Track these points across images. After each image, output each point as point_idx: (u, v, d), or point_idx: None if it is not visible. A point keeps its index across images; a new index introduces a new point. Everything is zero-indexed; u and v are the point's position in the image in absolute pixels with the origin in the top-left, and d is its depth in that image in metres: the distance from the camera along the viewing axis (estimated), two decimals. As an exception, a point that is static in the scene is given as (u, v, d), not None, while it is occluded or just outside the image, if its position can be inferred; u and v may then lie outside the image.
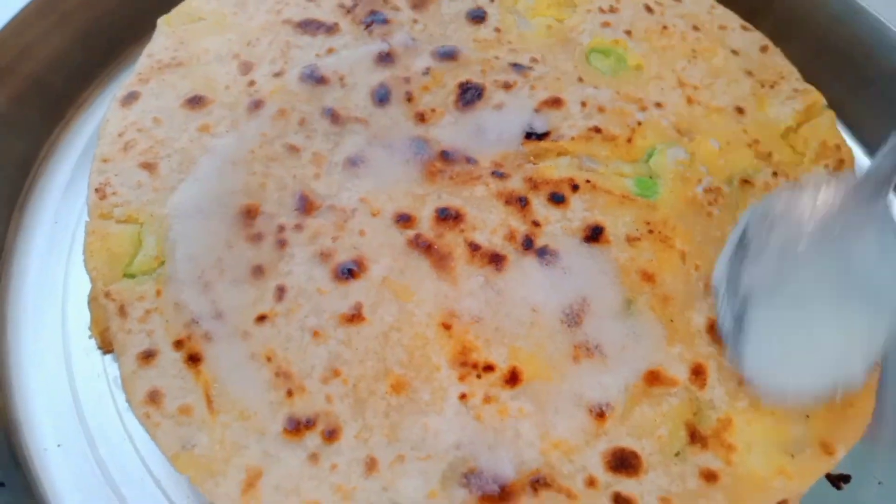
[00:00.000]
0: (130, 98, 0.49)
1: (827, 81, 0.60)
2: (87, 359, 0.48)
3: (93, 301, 0.49)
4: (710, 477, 0.38)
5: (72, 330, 0.49)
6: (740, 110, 0.53)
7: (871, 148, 0.64)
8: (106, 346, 0.48)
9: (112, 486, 0.44)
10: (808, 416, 0.41)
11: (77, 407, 0.46)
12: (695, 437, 0.39)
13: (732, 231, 0.43)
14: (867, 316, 0.39)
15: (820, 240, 0.40)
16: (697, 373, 0.41)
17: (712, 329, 0.43)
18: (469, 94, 0.51)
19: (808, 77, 0.58)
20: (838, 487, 0.48)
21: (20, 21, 0.56)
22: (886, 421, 0.50)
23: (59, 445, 0.45)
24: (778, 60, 0.57)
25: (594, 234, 0.45)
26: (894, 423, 0.50)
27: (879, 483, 0.48)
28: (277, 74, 0.51)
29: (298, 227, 0.44)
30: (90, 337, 0.49)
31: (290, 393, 0.39)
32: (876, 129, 0.64)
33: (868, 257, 0.40)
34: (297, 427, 0.38)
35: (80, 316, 0.49)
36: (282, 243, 0.44)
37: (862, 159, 0.64)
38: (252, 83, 0.50)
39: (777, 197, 0.42)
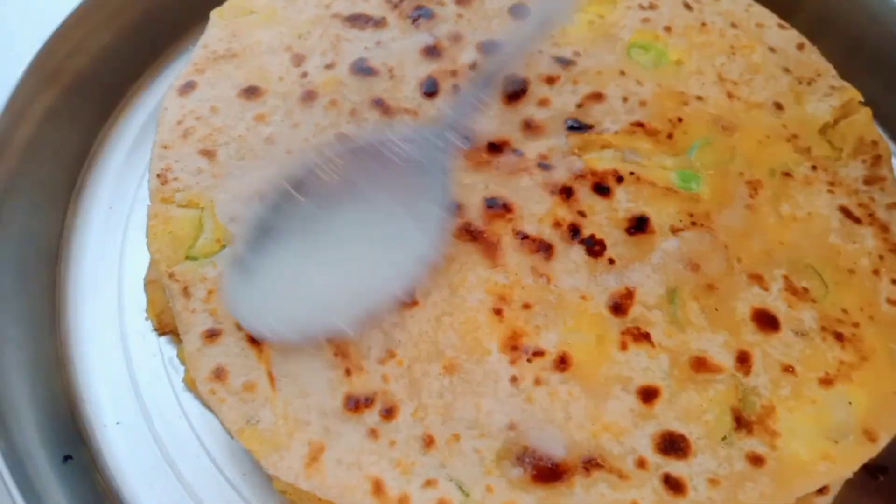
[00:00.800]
0: (188, 87, 0.51)
1: (862, 79, 0.61)
2: (143, 340, 0.50)
3: (149, 284, 0.51)
4: (756, 461, 0.39)
5: (127, 312, 0.51)
6: (779, 106, 0.54)
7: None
8: (161, 329, 0.50)
9: (169, 461, 0.46)
10: (850, 403, 0.42)
11: (134, 386, 0.48)
12: (740, 422, 0.41)
13: None
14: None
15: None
16: (742, 360, 0.42)
17: (757, 317, 0.44)
18: (513, 87, 0.52)
19: (843, 74, 0.59)
20: (875, 478, 0.49)
21: (71, 21, 0.57)
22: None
23: (118, 423, 0.47)
24: (814, 58, 0.58)
25: (639, 225, 0.46)
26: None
27: (915, 474, 0.49)
28: (329, 66, 0.53)
29: (352, 214, 0.46)
30: (146, 319, 0.51)
31: (348, 372, 0.41)
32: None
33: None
34: (357, 405, 0.40)
35: (136, 299, 0.51)
36: (337, 229, 0.45)
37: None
38: (304, 74, 0.52)
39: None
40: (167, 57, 0.64)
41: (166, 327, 0.50)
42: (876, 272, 0.47)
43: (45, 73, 0.54)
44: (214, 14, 0.55)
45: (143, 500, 0.44)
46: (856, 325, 0.45)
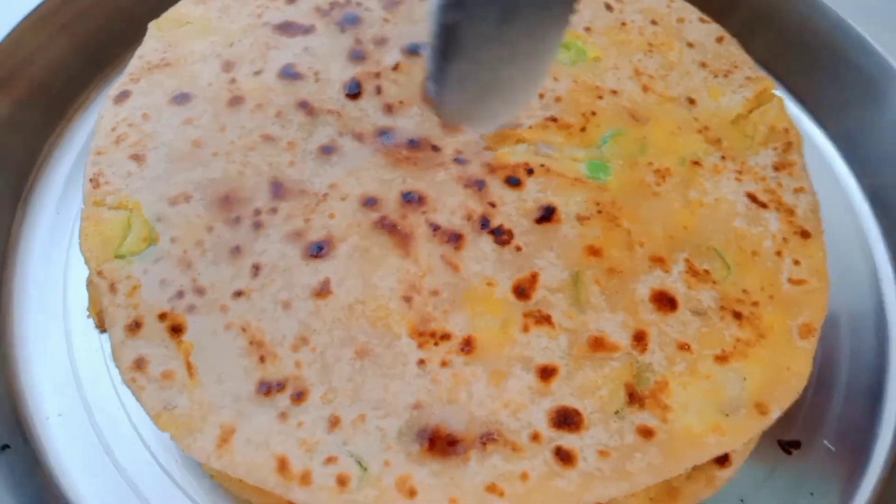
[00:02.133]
0: (122, 96, 0.54)
1: (794, 74, 0.64)
2: (86, 337, 0.53)
3: (91, 283, 0.54)
4: (646, 433, 0.41)
5: (72, 311, 0.54)
6: (691, 101, 0.56)
7: (837, 135, 0.67)
8: (102, 326, 0.53)
9: (107, 450, 0.48)
10: (744, 379, 0.44)
11: (76, 380, 0.51)
12: (633, 397, 0.43)
13: None
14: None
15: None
16: (639, 338, 0.45)
17: (655, 298, 0.46)
18: (435, 87, 0.54)
19: (778, 68, 0.62)
20: (789, 453, 0.51)
21: (21, 32, 0.60)
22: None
23: (59, 415, 0.49)
24: (732, 50, 0.60)
25: (546, 214, 0.49)
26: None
27: (829, 448, 0.51)
28: (257, 73, 0.55)
29: (273, 211, 0.48)
30: (88, 317, 0.53)
31: (262, 359, 0.43)
32: (841, 117, 0.67)
33: None
34: (269, 389, 0.42)
35: (80, 298, 0.54)
36: (258, 225, 0.48)
37: (824, 144, 0.67)
38: (233, 80, 0.55)
39: None
40: (117, 68, 0.67)
41: (105, 324, 0.52)
42: (779, 253, 0.49)
43: None
44: (152, 26, 0.58)
45: (81, 488, 0.47)
46: (755, 304, 0.47)
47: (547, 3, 0.33)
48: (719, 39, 0.61)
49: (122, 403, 0.50)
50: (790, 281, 0.48)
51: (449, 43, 0.32)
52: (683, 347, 0.44)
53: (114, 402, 0.50)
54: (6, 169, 0.58)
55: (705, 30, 0.61)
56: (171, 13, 0.59)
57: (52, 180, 0.60)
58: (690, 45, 0.60)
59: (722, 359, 0.44)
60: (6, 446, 0.47)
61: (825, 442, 0.51)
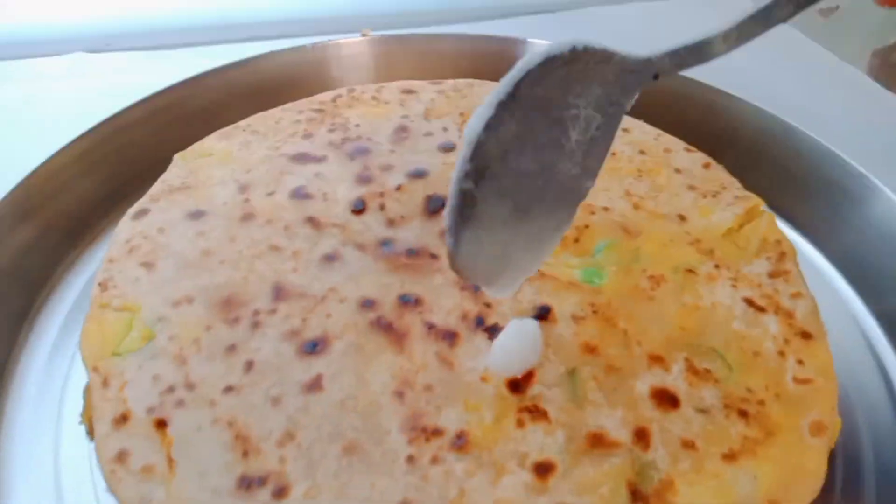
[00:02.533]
0: (141, 213, 0.57)
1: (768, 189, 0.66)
2: (76, 444, 0.51)
3: (87, 390, 0.54)
4: (653, 534, 0.38)
5: (66, 418, 0.53)
6: (682, 217, 0.58)
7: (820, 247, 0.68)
8: (93, 432, 0.52)
9: (79, 564, 0.45)
10: (755, 477, 0.41)
11: (57, 485, 0.49)
12: (636, 495, 0.40)
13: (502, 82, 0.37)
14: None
15: (560, 117, 0.38)
16: (640, 435, 0.43)
17: (656, 395, 0.45)
18: (434, 204, 0.58)
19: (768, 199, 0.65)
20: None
21: (52, 165, 0.66)
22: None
23: (33, 521, 0.47)
24: (720, 174, 0.63)
25: (542, 314, 0.49)
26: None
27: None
28: (270, 194, 0.59)
29: (272, 312, 0.49)
30: (80, 423, 0.52)
31: (245, 454, 0.42)
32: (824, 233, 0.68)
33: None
34: (249, 485, 0.40)
35: (77, 407, 0.53)
36: (256, 325, 0.48)
37: (811, 254, 0.68)
38: (247, 200, 0.58)
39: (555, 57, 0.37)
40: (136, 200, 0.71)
41: (96, 432, 0.51)
42: (781, 353, 0.48)
43: (20, 208, 0.62)
44: (177, 157, 0.63)
45: None
46: (761, 402, 0.45)
47: (554, 208, 0.41)
48: (706, 165, 0.64)
49: (101, 511, 0.47)
50: (795, 380, 0.46)
51: (465, 206, 0.37)
52: (688, 445, 0.42)
53: (93, 509, 0.48)
54: (13, 300, 0.60)
55: (691, 158, 0.65)
56: (196, 147, 0.65)
57: (63, 299, 0.62)
58: (678, 170, 0.63)
59: (730, 457, 0.42)
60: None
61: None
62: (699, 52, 0.40)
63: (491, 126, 0.36)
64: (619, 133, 0.66)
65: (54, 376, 0.56)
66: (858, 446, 0.51)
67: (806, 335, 0.49)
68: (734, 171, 0.64)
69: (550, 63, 0.37)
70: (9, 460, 0.50)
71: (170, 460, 0.41)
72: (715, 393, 0.45)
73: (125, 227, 0.56)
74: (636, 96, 0.41)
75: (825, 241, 0.68)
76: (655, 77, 0.40)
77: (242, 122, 0.68)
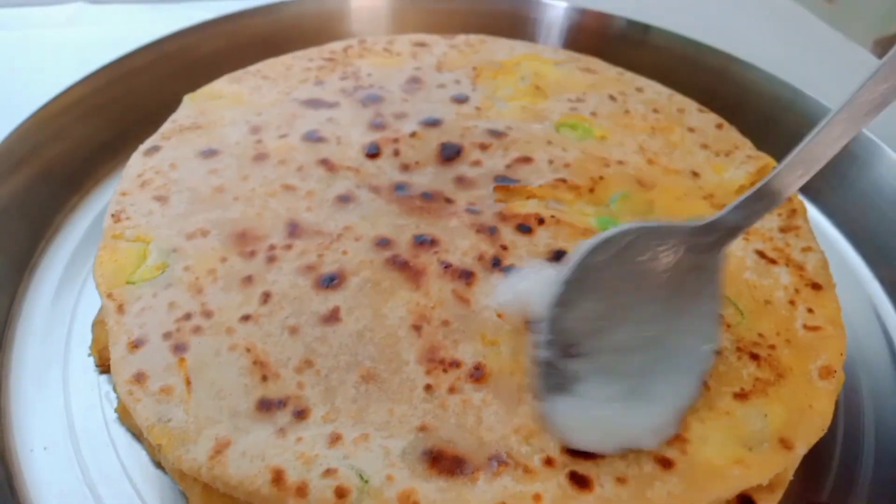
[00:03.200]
0: (152, 150, 0.57)
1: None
2: (84, 376, 0.51)
3: (96, 324, 0.53)
4: (665, 463, 0.39)
5: (74, 350, 0.52)
6: (695, 174, 0.59)
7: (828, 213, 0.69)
8: (103, 364, 0.52)
9: (90, 485, 0.45)
10: (766, 415, 0.42)
11: (68, 416, 0.48)
12: (651, 428, 0.40)
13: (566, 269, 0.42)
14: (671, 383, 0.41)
15: (649, 288, 0.41)
16: (655, 373, 0.43)
17: (669, 336, 0.45)
18: (448, 151, 0.57)
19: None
20: (819, 515, 0.47)
21: (42, 115, 0.65)
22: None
23: (45, 448, 0.47)
24: (732, 135, 0.64)
25: (558, 256, 0.49)
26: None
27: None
28: (282, 136, 0.59)
29: (288, 247, 0.49)
30: (89, 355, 0.52)
31: (264, 378, 0.42)
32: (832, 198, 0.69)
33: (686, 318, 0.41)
34: (269, 406, 0.40)
35: (84, 340, 0.53)
36: (271, 259, 0.48)
37: (817, 219, 0.68)
38: (259, 141, 0.58)
39: (617, 237, 0.42)
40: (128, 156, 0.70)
41: (106, 363, 0.51)
42: (792, 302, 0.49)
43: (14, 158, 0.61)
44: (186, 98, 0.63)
45: (56, 523, 0.43)
46: (772, 346, 0.46)
47: (674, 381, 0.41)
48: (719, 126, 0.65)
49: (111, 440, 0.47)
50: (805, 327, 0.47)
51: (583, 279, 0.40)
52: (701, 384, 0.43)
53: (104, 440, 0.47)
54: (18, 241, 0.59)
55: (705, 118, 0.65)
56: (206, 89, 0.64)
57: (73, 231, 0.62)
58: (691, 129, 0.64)
59: (741, 396, 0.43)
60: (-17, 472, 0.44)
61: (857, 506, 0.47)
62: (766, 197, 0.41)
63: (563, 303, 0.40)
64: (632, 92, 0.67)
65: (61, 312, 0.55)
66: (859, 402, 0.52)
67: (816, 286, 0.50)
68: (744, 134, 0.64)
69: (608, 244, 0.41)
70: (20, 394, 0.50)
71: (188, 382, 0.41)
72: (727, 337, 0.46)
73: (137, 162, 0.55)
74: (722, 256, 0.42)
75: (832, 207, 0.69)
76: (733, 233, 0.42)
77: (252, 68, 0.67)
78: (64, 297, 0.57)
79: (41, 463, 0.46)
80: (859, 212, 0.67)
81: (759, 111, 0.75)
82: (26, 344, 0.53)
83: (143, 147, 0.57)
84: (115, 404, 0.49)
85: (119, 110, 0.70)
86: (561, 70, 0.70)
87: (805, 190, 0.69)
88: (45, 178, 0.63)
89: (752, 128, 0.66)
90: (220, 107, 0.62)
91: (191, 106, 0.62)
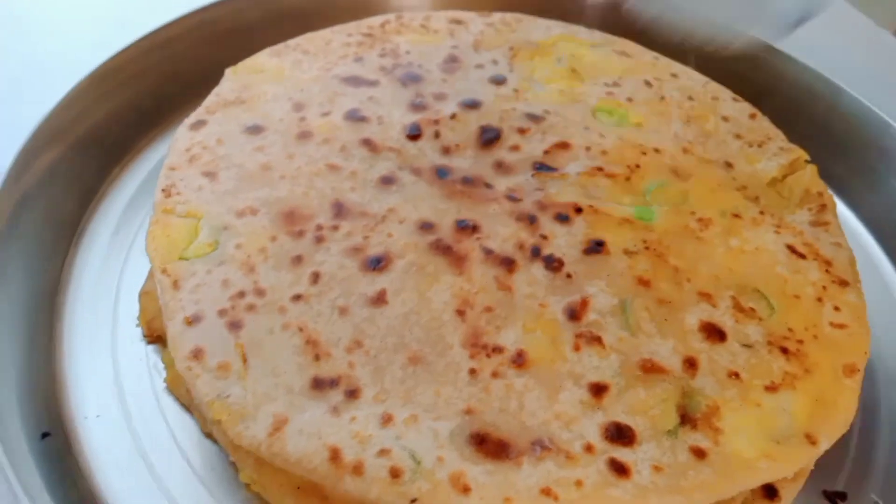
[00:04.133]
0: (198, 124, 0.58)
1: (825, 159, 0.68)
2: (132, 346, 0.53)
3: (143, 295, 0.55)
4: (699, 453, 0.41)
5: (121, 319, 0.54)
6: (729, 164, 0.60)
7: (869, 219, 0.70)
8: (151, 335, 0.54)
9: (142, 454, 0.47)
10: (793, 410, 0.44)
11: (118, 385, 0.51)
12: (685, 418, 0.43)
13: None
14: None
15: None
16: (690, 364, 0.45)
17: (704, 328, 0.47)
18: (488, 135, 0.58)
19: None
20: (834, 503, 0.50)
21: (81, 88, 0.65)
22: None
23: (98, 416, 0.49)
24: (765, 125, 0.65)
25: (595, 247, 0.51)
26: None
27: (875, 501, 0.50)
28: (325, 114, 0.59)
29: (334, 228, 0.50)
30: (137, 326, 0.54)
31: (317, 357, 0.44)
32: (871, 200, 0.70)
33: None
34: (322, 385, 0.42)
35: (130, 309, 0.55)
36: (319, 239, 0.50)
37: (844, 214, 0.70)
38: (303, 119, 0.59)
39: None
40: (167, 127, 0.70)
41: (154, 334, 0.53)
42: (819, 300, 0.50)
43: (52, 132, 0.61)
44: (228, 71, 0.63)
45: (114, 486, 0.46)
46: (800, 341, 0.47)
47: None
48: (752, 116, 0.65)
49: (161, 410, 0.50)
50: (832, 324, 0.49)
51: None
52: (733, 375, 0.45)
53: (153, 409, 0.50)
54: (65, 209, 0.61)
55: (738, 107, 0.66)
56: (248, 62, 0.65)
57: (112, 206, 0.63)
58: (725, 118, 0.64)
59: (771, 389, 0.45)
60: (46, 434, 0.46)
61: (872, 495, 0.50)
62: None
63: None
64: (667, 77, 0.67)
65: (107, 282, 0.57)
66: (875, 394, 0.55)
67: (843, 283, 0.51)
68: (774, 122, 0.65)
69: None
70: (72, 362, 0.52)
71: (244, 360, 0.43)
72: (759, 330, 0.47)
73: (183, 136, 0.56)
74: None
75: (858, 201, 0.70)
76: None
77: (292, 42, 0.68)
78: (110, 266, 0.58)
79: (95, 430, 0.48)
80: (886, 207, 0.68)
81: (787, 99, 0.75)
82: (75, 312, 0.55)
83: (188, 121, 0.58)
84: (163, 374, 0.51)
85: (159, 79, 0.71)
86: (597, 53, 0.70)
87: (832, 182, 0.71)
88: (89, 148, 0.64)
89: (779, 116, 0.67)
90: (262, 81, 0.63)
91: (233, 79, 0.62)
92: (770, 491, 0.44)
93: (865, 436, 0.52)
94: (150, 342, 0.53)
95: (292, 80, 0.63)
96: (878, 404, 0.54)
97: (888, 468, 0.51)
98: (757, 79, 0.76)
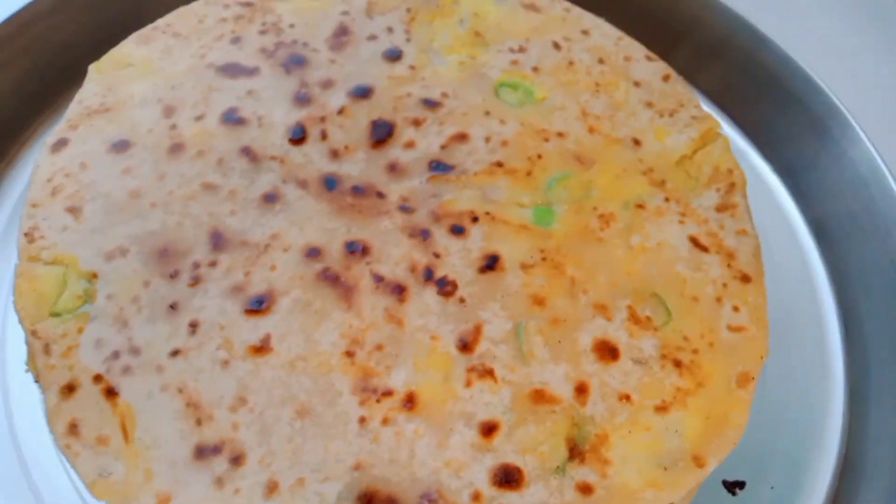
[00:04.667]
0: (60, 144, 0.52)
1: (741, 106, 0.65)
2: (24, 391, 0.51)
3: (31, 335, 0.52)
4: (585, 489, 0.42)
5: (10, 363, 0.52)
6: (637, 142, 0.57)
7: (781, 168, 0.68)
8: (41, 380, 0.52)
9: (41, 509, 0.47)
10: (681, 432, 0.44)
11: (13, 436, 0.49)
12: (574, 452, 0.43)
13: None
14: None
15: None
16: (581, 390, 0.45)
17: (597, 348, 0.46)
18: (380, 132, 0.54)
19: (721, 102, 0.63)
20: (733, 493, 0.52)
21: None
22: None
23: (-5, 484, 0.48)
24: (679, 88, 0.61)
25: (490, 263, 0.49)
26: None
27: (772, 488, 0.52)
28: (198, 118, 0.54)
29: (213, 264, 0.48)
30: (27, 371, 0.52)
31: (199, 421, 0.42)
32: (786, 150, 0.68)
33: None
34: (205, 454, 0.42)
35: (19, 352, 0.52)
36: (196, 279, 0.47)
37: (770, 177, 0.68)
38: (174, 126, 0.54)
39: None
40: (56, 111, 0.65)
41: (44, 379, 0.51)
42: (719, 300, 0.49)
43: None
44: (92, 68, 0.57)
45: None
46: (695, 351, 0.47)
47: None
48: (665, 78, 0.61)
49: (61, 460, 0.49)
50: (729, 328, 0.48)
51: None
52: (624, 398, 0.45)
53: (52, 459, 0.49)
54: None
55: (652, 68, 0.62)
56: (113, 54, 0.58)
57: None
58: (637, 83, 0.60)
59: (662, 409, 0.45)
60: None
61: (769, 482, 0.52)
62: None
63: None
64: (577, 36, 0.63)
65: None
66: (782, 374, 0.56)
67: (745, 278, 0.50)
68: (690, 67, 0.62)
69: None
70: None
71: (124, 430, 0.42)
72: (653, 343, 0.47)
73: (45, 163, 0.52)
74: None
75: (774, 152, 0.68)
76: None
77: (161, 22, 0.61)
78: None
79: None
80: (798, 158, 0.66)
81: (705, 41, 0.71)
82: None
83: (50, 140, 0.53)
84: (59, 420, 0.50)
85: (29, 60, 0.64)
86: (502, 8, 0.64)
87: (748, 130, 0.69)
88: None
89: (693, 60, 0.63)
90: (129, 79, 0.57)
91: (97, 80, 0.56)
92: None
93: (766, 422, 0.53)
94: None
95: (162, 73, 0.57)
96: (782, 389, 0.55)
97: (786, 454, 0.53)
98: (673, 19, 0.71)
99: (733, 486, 0.52)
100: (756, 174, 0.67)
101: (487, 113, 0.56)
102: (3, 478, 0.48)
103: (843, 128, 0.62)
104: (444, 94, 0.57)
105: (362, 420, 0.43)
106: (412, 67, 0.59)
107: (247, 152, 0.53)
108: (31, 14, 0.65)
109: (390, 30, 0.62)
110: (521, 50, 0.61)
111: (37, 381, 0.50)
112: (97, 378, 0.43)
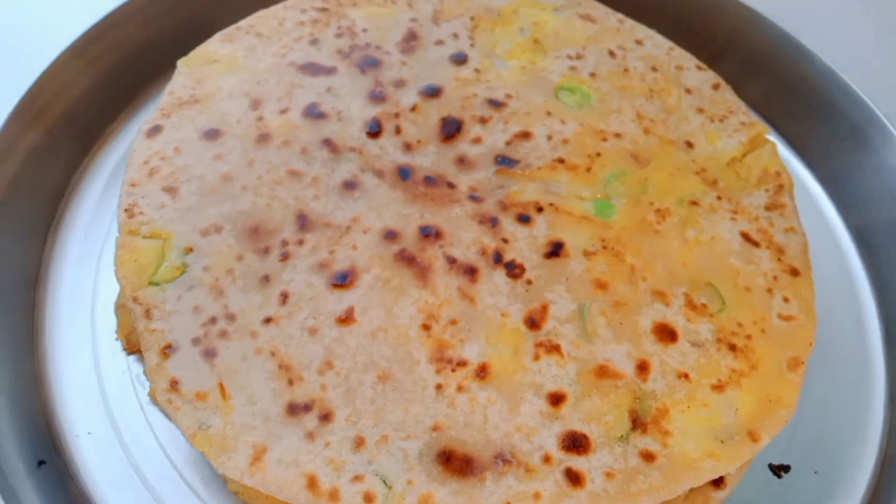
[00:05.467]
0: (154, 131, 0.57)
1: (785, 118, 0.68)
2: (113, 359, 0.55)
3: (119, 308, 0.56)
4: (648, 457, 0.45)
5: (100, 334, 0.56)
6: (690, 144, 0.60)
7: (824, 177, 0.71)
8: (130, 348, 0.55)
9: (135, 467, 0.50)
10: (738, 408, 0.47)
11: (104, 400, 0.53)
12: (636, 423, 0.46)
13: None
14: None
15: None
16: (642, 368, 0.48)
17: (657, 330, 0.49)
18: (449, 128, 0.58)
19: (766, 113, 0.66)
20: (779, 476, 0.55)
21: (54, 67, 0.64)
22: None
23: (89, 433, 0.52)
24: (728, 97, 0.65)
25: (555, 250, 0.52)
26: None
27: (815, 472, 0.55)
28: (283, 111, 0.59)
29: (300, 242, 0.51)
30: (116, 339, 0.56)
31: (290, 382, 0.46)
32: (828, 159, 0.71)
33: None
34: (296, 411, 0.45)
35: (107, 322, 0.56)
36: (285, 255, 0.51)
37: (812, 185, 0.71)
38: (260, 118, 0.58)
39: None
40: (141, 101, 0.70)
41: (134, 347, 0.55)
42: (770, 290, 0.53)
43: (29, 114, 0.60)
44: (181, 63, 0.61)
45: (112, 502, 0.49)
46: (749, 337, 0.50)
47: None
48: (715, 86, 0.65)
49: (148, 423, 0.52)
50: (780, 317, 0.51)
51: None
52: (683, 377, 0.48)
53: (141, 421, 0.52)
54: (38, 196, 0.61)
55: (702, 77, 0.66)
56: (200, 51, 0.63)
57: (80, 209, 0.63)
58: (688, 90, 0.64)
59: (718, 388, 0.48)
60: (42, 462, 0.49)
61: (813, 467, 0.54)
62: None
63: None
64: (631, 45, 0.66)
65: (83, 291, 0.58)
66: (825, 368, 0.58)
67: (794, 272, 0.54)
68: (735, 80, 0.65)
69: None
70: (57, 381, 0.54)
71: (221, 388, 0.45)
72: (709, 327, 0.50)
73: (141, 147, 0.56)
74: None
75: (816, 161, 0.71)
76: None
77: (244, 23, 0.65)
78: (84, 272, 0.59)
79: (87, 447, 0.51)
80: (842, 169, 0.69)
81: (749, 55, 0.75)
82: (54, 331, 0.56)
83: (144, 127, 0.57)
84: (146, 386, 0.54)
85: (114, 61, 0.69)
86: (560, 18, 0.69)
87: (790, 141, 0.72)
88: (55, 138, 0.63)
89: (742, 71, 0.67)
90: (215, 73, 0.61)
91: (186, 73, 0.61)
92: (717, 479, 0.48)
93: (813, 412, 0.56)
94: (129, 353, 0.55)
95: (247, 70, 0.62)
96: (826, 382, 0.58)
97: (830, 442, 0.55)
98: (716, 33, 0.75)
99: (779, 470, 0.54)
100: (799, 182, 0.70)
101: (549, 113, 0.60)
102: (98, 436, 0.51)
103: (884, 137, 0.66)
104: (508, 95, 0.61)
105: (439, 387, 0.46)
106: (477, 70, 0.63)
107: (328, 143, 0.57)
108: (120, 15, 0.69)
109: (456, 36, 0.66)
110: (579, 57, 0.65)
111: (125, 349, 0.55)
112: (195, 340, 0.47)
